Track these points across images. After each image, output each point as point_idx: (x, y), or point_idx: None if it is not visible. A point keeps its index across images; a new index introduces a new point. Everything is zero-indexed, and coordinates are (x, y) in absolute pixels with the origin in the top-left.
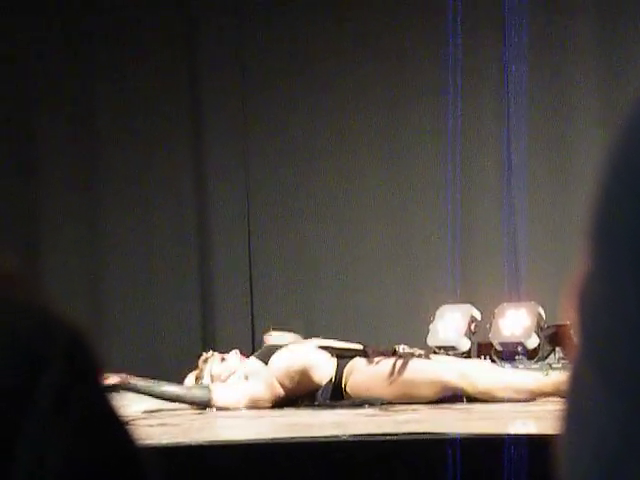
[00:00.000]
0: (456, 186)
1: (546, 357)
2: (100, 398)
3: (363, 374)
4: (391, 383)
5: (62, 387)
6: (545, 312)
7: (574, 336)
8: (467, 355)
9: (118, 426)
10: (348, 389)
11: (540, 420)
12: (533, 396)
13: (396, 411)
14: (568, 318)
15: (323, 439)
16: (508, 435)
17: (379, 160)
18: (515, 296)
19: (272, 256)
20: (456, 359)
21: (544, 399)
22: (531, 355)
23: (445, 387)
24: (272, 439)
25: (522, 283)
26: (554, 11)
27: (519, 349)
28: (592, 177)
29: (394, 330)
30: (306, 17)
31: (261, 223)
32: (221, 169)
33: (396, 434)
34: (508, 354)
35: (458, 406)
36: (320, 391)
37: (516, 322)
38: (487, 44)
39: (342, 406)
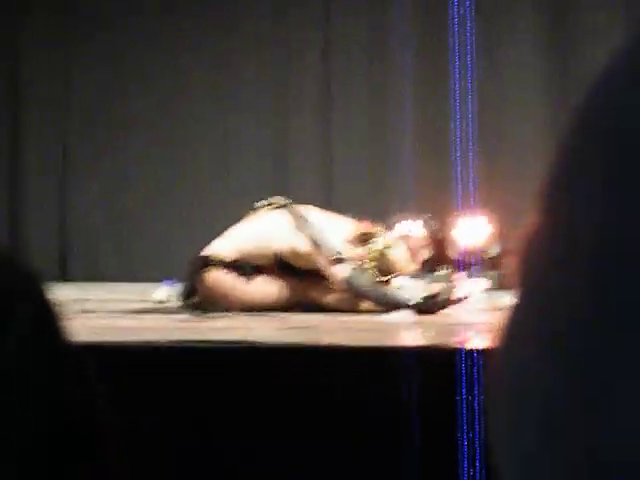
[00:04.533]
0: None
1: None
2: (62, 329)
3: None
4: None
5: (39, 316)
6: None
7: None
8: None
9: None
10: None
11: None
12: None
13: (212, 318)
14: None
15: (135, 344)
16: (323, 346)
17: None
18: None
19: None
20: None
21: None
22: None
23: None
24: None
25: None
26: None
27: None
28: None
29: None
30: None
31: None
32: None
33: (210, 341)
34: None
35: (273, 315)
36: None
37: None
38: None
39: None
